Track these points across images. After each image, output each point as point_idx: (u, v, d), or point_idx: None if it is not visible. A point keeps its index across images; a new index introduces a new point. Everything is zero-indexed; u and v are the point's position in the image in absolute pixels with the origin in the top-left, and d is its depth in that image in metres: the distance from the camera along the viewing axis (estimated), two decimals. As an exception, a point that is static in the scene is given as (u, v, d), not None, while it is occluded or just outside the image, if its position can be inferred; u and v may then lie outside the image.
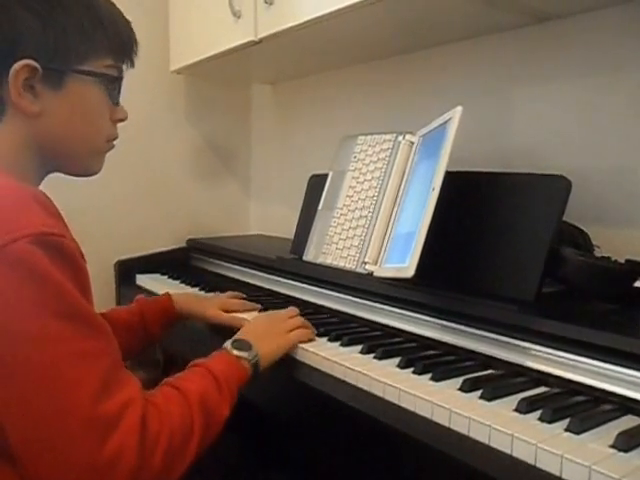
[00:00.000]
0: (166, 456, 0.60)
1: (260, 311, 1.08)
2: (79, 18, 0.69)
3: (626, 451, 0.57)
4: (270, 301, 1.16)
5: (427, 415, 0.68)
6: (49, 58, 0.67)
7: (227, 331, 1.02)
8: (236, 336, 0.83)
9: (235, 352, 0.78)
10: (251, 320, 0.96)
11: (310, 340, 0.91)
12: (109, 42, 0.73)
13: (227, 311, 1.06)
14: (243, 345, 0.80)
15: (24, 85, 0.67)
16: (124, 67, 0.77)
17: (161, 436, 0.61)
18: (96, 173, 0.78)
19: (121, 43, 0.75)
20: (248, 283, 1.38)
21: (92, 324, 0.60)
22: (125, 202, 1.72)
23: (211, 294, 1.27)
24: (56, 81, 0.69)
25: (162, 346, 1.46)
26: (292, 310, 0.96)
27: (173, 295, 1.08)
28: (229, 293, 1.16)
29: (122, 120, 0.78)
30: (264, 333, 0.87)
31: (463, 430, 0.64)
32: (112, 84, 0.74)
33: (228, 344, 0.80)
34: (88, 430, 0.56)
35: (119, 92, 0.76)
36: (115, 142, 0.79)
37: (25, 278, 0.56)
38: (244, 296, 1.15)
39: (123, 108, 0.78)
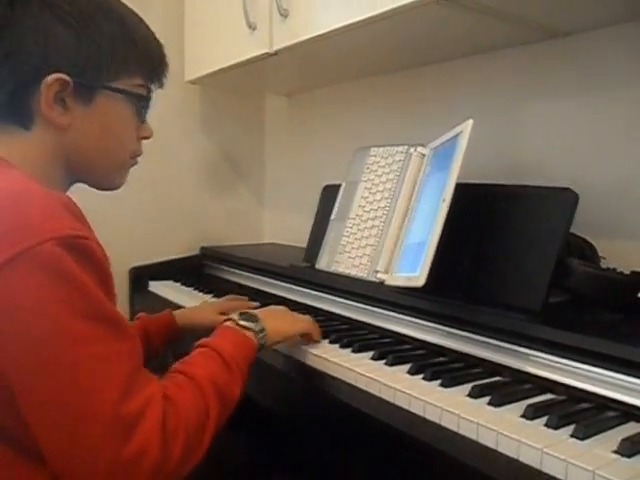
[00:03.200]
0: (185, 447, 0.62)
1: None
2: (112, 36, 0.71)
3: (629, 457, 0.59)
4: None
5: (436, 420, 0.70)
6: (81, 73, 0.69)
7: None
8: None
9: (242, 322, 0.80)
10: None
11: (316, 341, 0.94)
12: (140, 61, 0.75)
13: (226, 314, 1.07)
14: (250, 317, 0.82)
15: (55, 98, 0.69)
16: (153, 87, 0.78)
17: (179, 429, 0.62)
18: (119, 187, 0.80)
19: (152, 63, 0.77)
20: (261, 291, 1.41)
21: (117, 325, 0.62)
22: (140, 210, 1.74)
23: (215, 299, 1.30)
24: (86, 96, 0.71)
25: (174, 351, 1.48)
26: (307, 317, 0.97)
27: (174, 312, 1.10)
28: (228, 296, 1.20)
29: (147, 137, 0.80)
30: (273, 314, 0.89)
31: (471, 435, 0.66)
32: (140, 103, 0.76)
33: (235, 314, 0.81)
34: (112, 429, 0.57)
35: (147, 111, 0.78)
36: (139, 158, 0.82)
37: (52, 280, 0.57)
38: (244, 298, 1.19)
39: (149, 126, 0.80)
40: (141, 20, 0.77)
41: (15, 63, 0.68)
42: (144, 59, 0.75)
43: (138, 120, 0.78)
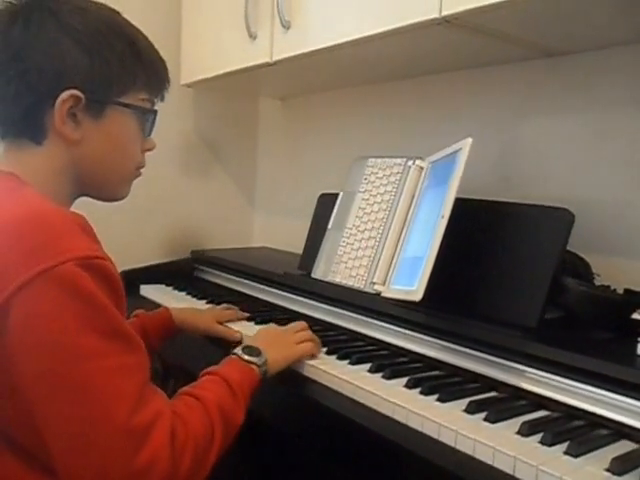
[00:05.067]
0: (193, 462, 0.65)
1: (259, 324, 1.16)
2: (122, 53, 0.74)
3: (620, 475, 0.61)
4: (278, 316, 1.19)
5: (434, 435, 0.72)
6: (92, 89, 0.72)
7: (222, 342, 1.08)
8: (246, 343, 0.88)
9: (246, 357, 0.83)
10: (261, 330, 1.00)
11: (314, 356, 0.95)
12: (146, 77, 0.78)
13: (221, 322, 1.13)
14: (253, 351, 0.85)
15: (67, 113, 0.71)
16: (156, 101, 0.82)
17: (188, 444, 0.65)
18: (123, 198, 0.83)
19: (157, 79, 0.80)
20: (255, 297, 1.41)
21: (130, 341, 0.65)
22: (130, 212, 1.71)
23: (209, 305, 1.32)
24: (97, 111, 0.74)
25: (161, 357, 1.49)
26: (301, 323, 1.00)
27: (171, 309, 1.13)
28: (223, 305, 1.23)
29: (150, 150, 0.83)
30: (273, 342, 0.91)
31: (468, 451, 0.68)
32: (145, 116, 0.79)
33: (239, 350, 0.84)
34: (124, 441, 0.60)
35: (153, 124, 0.81)
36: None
37: (71, 298, 0.60)
38: (236, 308, 1.21)
39: (152, 139, 0.83)
40: (146, 38, 0.79)
41: (31, 81, 0.70)
42: (150, 75, 0.78)
43: (143, 133, 0.81)
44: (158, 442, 0.61)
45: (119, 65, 0.74)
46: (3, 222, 0.62)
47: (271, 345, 0.89)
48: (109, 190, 0.81)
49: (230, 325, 1.13)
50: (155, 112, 0.81)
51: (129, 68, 0.75)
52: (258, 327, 1.11)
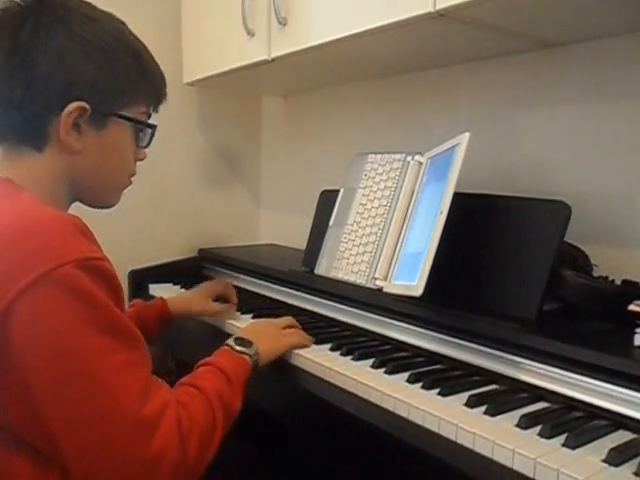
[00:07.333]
0: (199, 448, 0.68)
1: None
2: (127, 67, 0.75)
3: (617, 465, 0.63)
4: (283, 313, 1.19)
5: (434, 429, 0.73)
6: (98, 101, 0.73)
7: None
8: (237, 334, 0.92)
9: (238, 347, 0.87)
10: (251, 323, 1.05)
11: (305, 346, 0.99)
12: (148, 92, 0.80)
13: (214, 297, 1.21)
14: (244, 342, 0.89)
15: (72, 123, 0.73)
16: (153, 113, 0.83)
17: (193, 431, 0.68)
18: (114, 206, 0.85)
19: (157, 93, 0.82)
20: (261, 294, 1.43)
21: (132, 337, 0.67)
22: (137, 212, 1.73)
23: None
24: (100, 122, 0.75)
25: (174, 355, 1.52)
26: (288, 319, 1.06)
27: (167, 299, 1.18)
28: (211, 281, 1.30)
29: (141, 159, 0.85)
30: (263, 334, 0.95)
31: (468, 444, 0.69)
32: (142, 129, 0.81)
33: (231, 341, 0.88)
34: (137, 430, 0.63)
35: (151, 137, 0.83)
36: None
37: (72, 299, 0.61)
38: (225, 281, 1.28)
39: (144, 150, 0.85)
40: (149, 52, 0.81)
41: (38, 89, 0.71)
42: (151, 90, 0.81)
43: (137, 143, 0.82)
44: (167, 430, 0.64)
45: (124, 79, 0.75)
46: (1, 228, 0.64)
47: (261, 337, 0.93)
48: (102, 197, 0.83)
49: (233, 323, 1.17)
50: (155, 127, 0.83)
51: (133, 82, 0.77)
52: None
